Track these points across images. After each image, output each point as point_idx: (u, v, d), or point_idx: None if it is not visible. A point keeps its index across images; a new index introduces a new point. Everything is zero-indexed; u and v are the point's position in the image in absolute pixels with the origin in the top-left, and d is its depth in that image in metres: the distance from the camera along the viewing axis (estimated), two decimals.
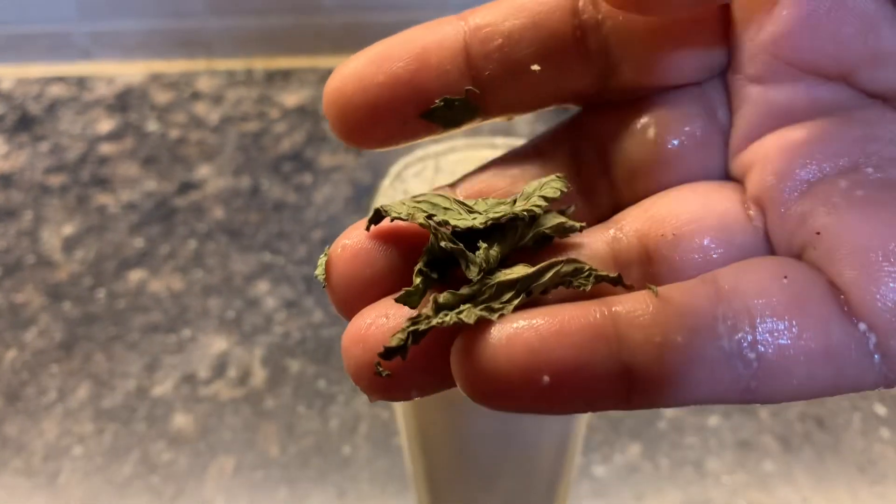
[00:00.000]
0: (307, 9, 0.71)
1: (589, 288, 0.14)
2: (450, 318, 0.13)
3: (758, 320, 0.13)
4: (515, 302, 0.13)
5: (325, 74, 0.70)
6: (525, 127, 0.61)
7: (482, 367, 0.13)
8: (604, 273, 0.14)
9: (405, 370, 0.14)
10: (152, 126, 0.66)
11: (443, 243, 0.14)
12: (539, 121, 0.61)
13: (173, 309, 0.53)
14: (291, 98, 0.69)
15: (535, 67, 0.15)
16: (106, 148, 0.65)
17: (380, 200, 0.30)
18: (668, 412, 0.46)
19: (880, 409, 0.46)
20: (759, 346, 0.13)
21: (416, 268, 0.14)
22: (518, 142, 0.32)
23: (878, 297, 0.13)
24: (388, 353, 0.14)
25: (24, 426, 0.47)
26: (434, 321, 0.14)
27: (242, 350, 0.50)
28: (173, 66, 0.72)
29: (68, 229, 0.58)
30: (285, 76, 0.71)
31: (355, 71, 0.15)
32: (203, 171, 0.62)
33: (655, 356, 0.12)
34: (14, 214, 0.59)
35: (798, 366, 0.13)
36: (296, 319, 0.51)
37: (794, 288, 0.13)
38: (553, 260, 0.14)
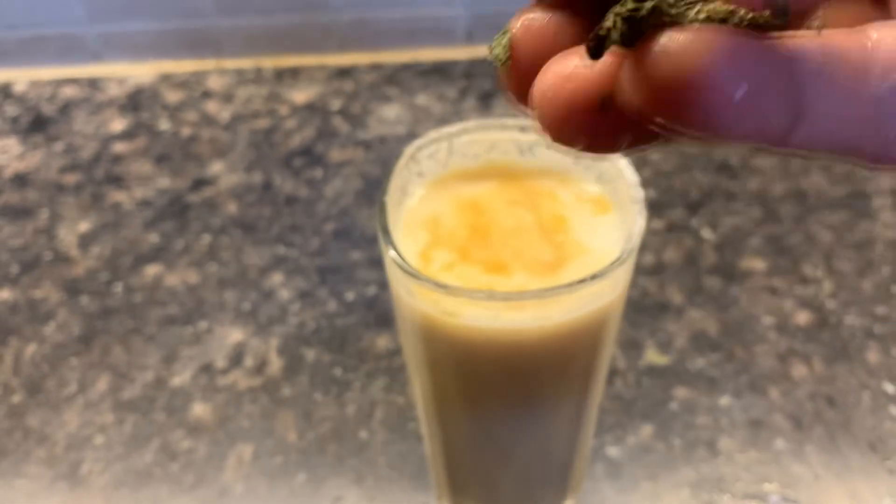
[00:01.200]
0: (314, 7, 0.72)
1: None
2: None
3: None
4: (706, 8, 0.12)
5: (333, 72, 0.71)
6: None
7: (680, 68, 0.12)
8: None
9: (618, 110, 0.13)
10: (164, 125, 0.67)
11: None
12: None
13: (189, 302, 0.53)
14: (300, 95, 0.70)
15: None
16: (119, 147, 0.66)
17: (394, 181, 0.31)
18: (679, 393, 0.47)
19: (889, 388, 0.47)
20: None
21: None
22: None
23: None
24: (597, 42, 0.12)
25: (46, 418, 0.48)
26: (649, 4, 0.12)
27: (259, 340, 0.51)
28: (183, 66, 0.73)
29: (84, 226, 0.59)
30: (294, 74, 0.72)
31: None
32: (215, 167, 0.63)
33: (825, 93, 0.12)
34: (31, 213, 0.60)
35: None
36: (310, 310, 0.52)
37: None
38: None
